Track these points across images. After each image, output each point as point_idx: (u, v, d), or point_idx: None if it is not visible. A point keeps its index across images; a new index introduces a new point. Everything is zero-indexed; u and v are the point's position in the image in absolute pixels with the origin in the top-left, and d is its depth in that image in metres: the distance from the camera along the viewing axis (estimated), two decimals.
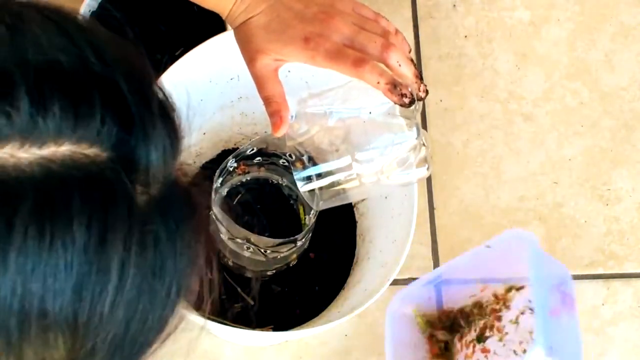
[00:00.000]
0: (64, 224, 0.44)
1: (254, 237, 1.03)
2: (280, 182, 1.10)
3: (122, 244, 0.46)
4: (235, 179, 1.09)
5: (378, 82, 0.79)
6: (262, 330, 1.08)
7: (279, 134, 0.83)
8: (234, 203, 1.09)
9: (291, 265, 1.06)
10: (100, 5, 1.18)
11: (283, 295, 1.11)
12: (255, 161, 1.07)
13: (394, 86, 0.79)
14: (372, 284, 1.02)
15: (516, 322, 1.06)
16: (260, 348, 1.14)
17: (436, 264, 1.18)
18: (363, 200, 1.12)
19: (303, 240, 1.03)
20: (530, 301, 1.04)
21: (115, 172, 0.46)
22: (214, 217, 1.04)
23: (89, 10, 1.17)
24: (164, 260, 0.49)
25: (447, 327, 1.11)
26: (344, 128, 0.80)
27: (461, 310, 1.11)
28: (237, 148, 1.08)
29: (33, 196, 0.44)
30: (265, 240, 1.03)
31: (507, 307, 1.07)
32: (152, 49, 1.18)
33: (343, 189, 0.88)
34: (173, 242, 0.49)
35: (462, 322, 1.10)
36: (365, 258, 1.09)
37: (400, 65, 0.80)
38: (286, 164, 1.07)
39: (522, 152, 1.23)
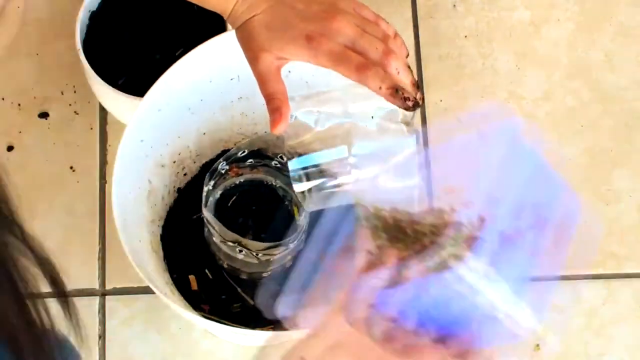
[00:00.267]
0: None
1: (244, 241, 1.03)
2: (274, 184, 1.10)
3: None
4: (229, 182, 1.09)
5: (380, 87, 0.79)
6: (262, 330, 1.08)
7: (278, 131, 0.83)
8: (228, 205, 1.09)
9: (287, 267, 1.06)
10: (100, 6, 1.18)
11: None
12: (247, 163, 1.07)
13: (396, 91, 0.79)
14: None
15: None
16: (260, 348, 1.14)
17: None
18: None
19: (296, 242, 1.03)
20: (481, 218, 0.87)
21: None
22: (205, 220, 1.04)
23: (89, 11, 1.17)
24: None
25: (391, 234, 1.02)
26: (343, 131, 0.80)
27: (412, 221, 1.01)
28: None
29: None
30: (255, 244, 1.03)
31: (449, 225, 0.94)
32: (152, 49, 1.18)
33: (340, 192, 0.88)
34: None
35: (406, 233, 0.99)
36: None
37: (399, 72, 0.80)
38: (279, 165, 1.07)
39: None
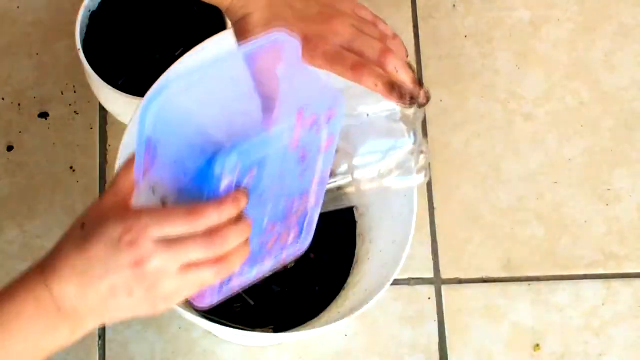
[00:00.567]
0: None
1: None
2: None
3: None
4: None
5: (376, 85, 0.79)
6: (262, 331, 1.08)
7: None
8: None
9: (288, 267, 1.06)
10: (99, 6, 1.18)
11: (283, 296, 1.11)
12: None
13: (392, 87, 0.79)
14: (372, 284, 1.02)
15: None
16: (260, 348, 1.14)
17: (436, 264, 1.18)
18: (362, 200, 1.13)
19: None
20: None
21: None
22: None
23: (89, 11, 1.17)
24: None
25: None
26: (343, 131, 0.79)
27: None
28: None
29: None
30: None
31: None
32: (152, 49, 1.18)
33: (340, 193, 0.88)
34: None
35: None
36: (365, 258, 1.09)
37: (397, 71, 0.80)
38: None
39: (522, 152, 1.23)
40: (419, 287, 1.17)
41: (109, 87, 1.11)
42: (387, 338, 1.15)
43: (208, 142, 0.67)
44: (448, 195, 1.21)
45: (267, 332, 1.08)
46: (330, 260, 1.12)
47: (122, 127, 1.19)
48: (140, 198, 0.70)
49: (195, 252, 0.68)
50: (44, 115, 1.22)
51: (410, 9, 1.29)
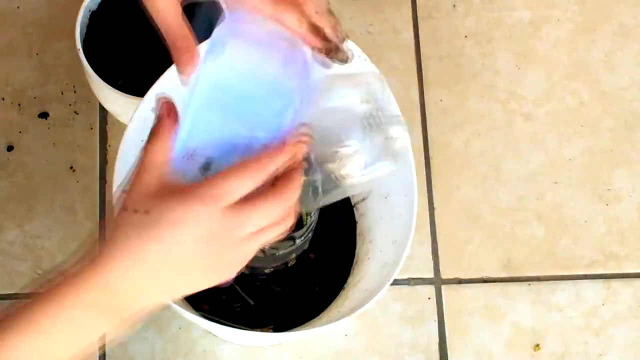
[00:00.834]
0: None
1: None
2: None
3: None
4: None
5: (300, 25, 0.75)
6: (262, 331, 1.08)
7: (188, 73, 0.82)
8: None
9: (290, 265, 1.06)
10: (99, 6, 1.18)
11: (283, 295, 1.11)
12: None
13: (317, 29, 0.76)
14: (372, 284, 1.02)
15: None
16: (260, 348, 1.14)
17: (436, 264, 1.18)
18: (363, 200, 1.12)
19: (302, 238, 1.03)
20: None
21: None
22: None
23: (89, 10, 1.17)
24: None
25: None
26: (317, 133, 0.78)
27: None
28: None
29: None
30: None
31: None
32: (152, 49, 1.18)
33: (329, 187, 0.87)
34: None
35: None
36: (365, 258, 1.09)
37: (318, 14, 0.76)
38: None
39: (522, 152, 1.24)
40: (419, 287, 1.17)
41: (109, 87, 1.11)
42: (387, 338, 1.15)
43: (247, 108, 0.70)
44: (448, 195, 1.21)
45: (267, 332, 1.08)
46: (330, 260, 1.12)
47: (122, 127, 1.18)
48: (179, 167, 0.70)
49: (271, 213, 0.69)
50: (44, 115, 1.22)
51: (410, 9, 1.29)
